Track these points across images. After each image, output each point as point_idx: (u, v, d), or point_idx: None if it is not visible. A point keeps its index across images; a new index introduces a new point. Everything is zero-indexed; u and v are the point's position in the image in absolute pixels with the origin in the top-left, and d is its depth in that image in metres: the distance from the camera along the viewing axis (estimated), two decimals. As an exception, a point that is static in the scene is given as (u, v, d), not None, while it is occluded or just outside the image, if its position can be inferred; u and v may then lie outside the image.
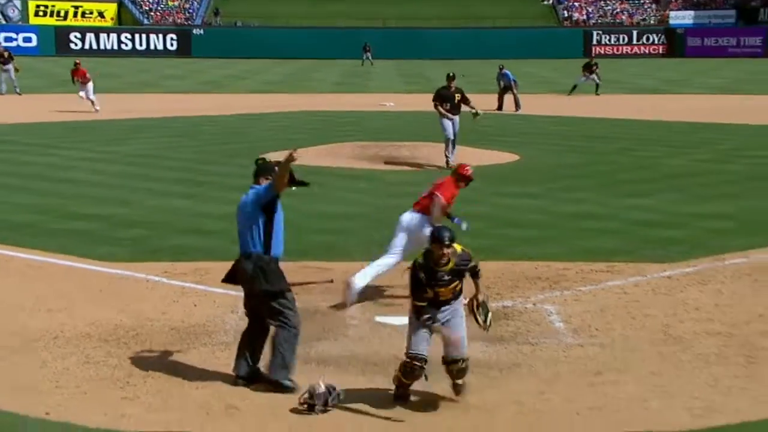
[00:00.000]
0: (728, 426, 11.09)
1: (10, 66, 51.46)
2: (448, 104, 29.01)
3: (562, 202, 23.90)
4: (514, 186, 26.65)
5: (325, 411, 10.71)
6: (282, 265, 17.25)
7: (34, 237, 19.93)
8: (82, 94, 43.81)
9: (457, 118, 29.12)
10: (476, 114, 29.62)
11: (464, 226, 17.35)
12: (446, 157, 29.64)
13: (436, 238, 10.98)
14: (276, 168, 12.00)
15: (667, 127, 40.12)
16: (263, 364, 12.27)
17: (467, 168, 18.00)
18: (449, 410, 11.60)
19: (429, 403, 11.79)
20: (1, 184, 26.94)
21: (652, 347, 13.85)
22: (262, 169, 12.44)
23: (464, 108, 30.54)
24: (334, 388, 10.90)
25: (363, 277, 16.67)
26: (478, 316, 11.47)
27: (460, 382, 11.39)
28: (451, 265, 11.06)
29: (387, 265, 17.05)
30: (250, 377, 12.07)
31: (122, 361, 12.72)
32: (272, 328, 12.08)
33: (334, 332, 14.37)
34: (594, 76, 54.55)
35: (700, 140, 36.45)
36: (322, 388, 10.80)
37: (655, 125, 40.68)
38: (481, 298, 11.34)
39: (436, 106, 29.64)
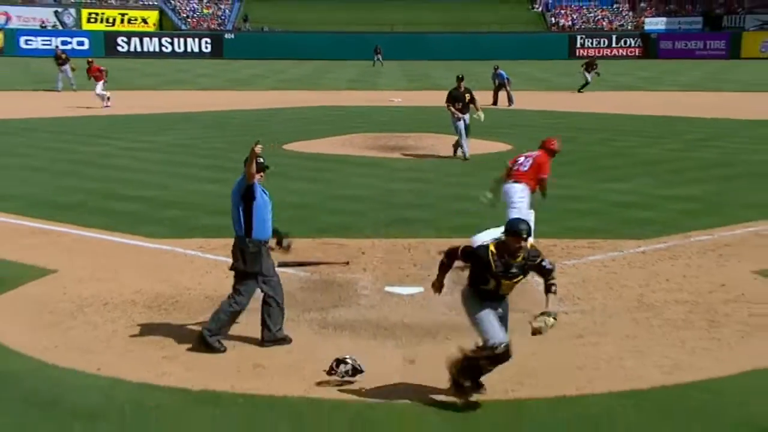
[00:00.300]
0: (694, 382, 11.21)
1: (66, 66, 51.35)
2: (460, 104, 28.70)
3: (549, 186, 23.84)
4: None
5: (343, 379, 10.72)
6: (305, 242, 17.50)
7: (87, 216, 19.96)
8: (97, 89, 43.55)
9: (467, 115, 28.84)
10: (477, 116, 29.28)
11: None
12: (461, 148, 29.19)
13: (514, 230, 9.62)
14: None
15: (643, 120, 40.08)
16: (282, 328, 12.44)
17: (554, 142, 18.84)
18: (449, 345, 11.61)
19: (433, 363, 11.85)
20: (59, 169, 27.01)
21: (627, 314, 13.97)
22: (259, 168, 12.21)
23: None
24: (347, 364, 10.79)
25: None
26: (540, 324, 9.85)
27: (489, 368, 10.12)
28: (520, 259, 9.77)
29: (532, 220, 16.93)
30: (274, 340, 12.19)
31: (163, 325, 12.81)
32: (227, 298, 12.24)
33: (349, 301, 14.35)
34: (593, 73, 54.46)
35: (671, 131, 36.35)
36: (348, 366, 10.75)
37: (632, 118, 40.61)
38: (550, 307, 9.87)
39: (448, 107, 29.14)
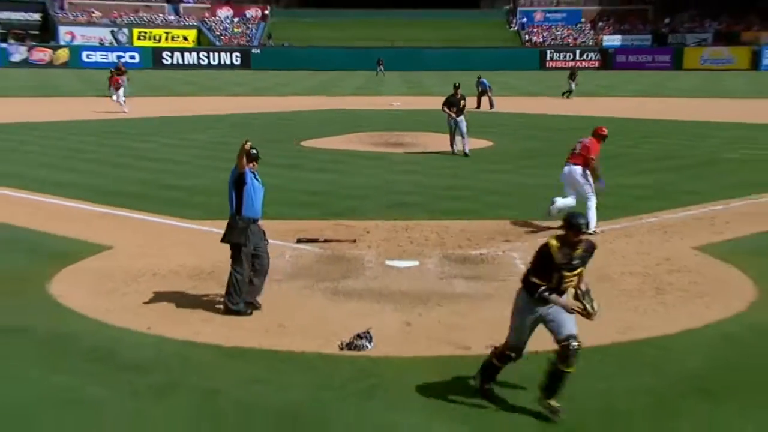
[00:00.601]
0: (645, 339, 11.41)
1: (124, 77, 51.33)
2: (455, 108, 28.49)
3: (524, 177, 23.89)
4: (490, 165, 26.61)
5: (355, 347, 10.80)
6: (320, 223, 17.55)
7: (138, 201, 19.98)
8: (114, 97, 42.50)
9: (462, 117, 28.54)
10: (464, 137, 28.69)
11: (602, 184, 18.67)
12: (455, 145, 28.90)
13: (572, 224, 8.72)
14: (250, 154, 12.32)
15: (601, 121, 40.05)
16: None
17: (604, 129, 19.41)
18: (441, 325, 11.76)
19: (426, 324, 11.89)
20: (116, 162, 27.06)
21: (627, 279, 14.20)
22: (245, 156, 12.26)
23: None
24: (368, 338, 10.90)
25: (561, 203, 18.05)
26: (586, 304, 8.94)
27: (570, 369, 8.76)
28: (580, 251, 8.94)
29: (569, 204, 17.94)
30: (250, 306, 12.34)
31: (201, 293, 12.89)
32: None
33: (355, 273, 14.37)
34: (574, 83, 54.55)
35: (624, 130, 36.30)
36: (364, 336, 10.89)
37: (592, 119, 40.52)
38: (584, 287, 9.03)
39: (444, 110, 28.92)
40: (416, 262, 14.94)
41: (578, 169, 18.28)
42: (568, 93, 54.65)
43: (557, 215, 17.21)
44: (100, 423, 8.83)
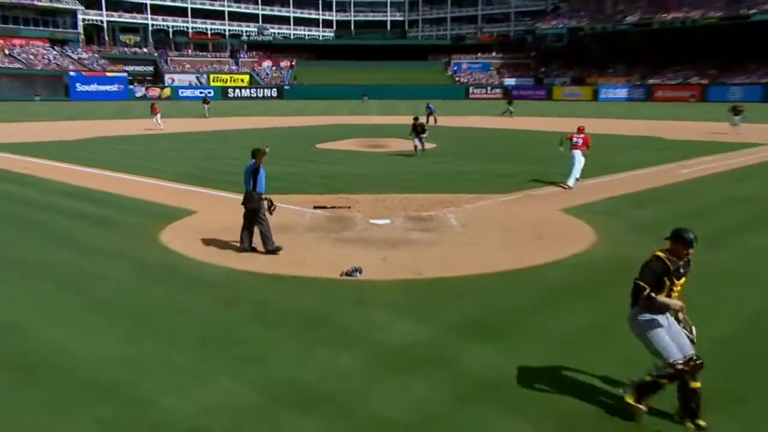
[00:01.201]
0: (532, 266, 11.44)
1: (209, 105, 50.34)
2: (414, 132, 27.65)
3: (458, 165, 23.86)
4: (436, 159, 26.27)
5: (351, 275, 10.89)
6: (328, 196, 17.60)
7: (211, 182, 19.97)
8: (155, 120, 40.56)
9: (422, 136, 27.25)
10: (422, 143, 27.47)
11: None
12: (417, 148, 27.53)
13: (685, 240, 6.38)
14: (258, 152, 12.46)
15: (504, 131, 40.08)
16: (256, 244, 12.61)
17: (583, 127, 21.10)
18: (404, 260, 11.89)
19: (396, 260, 12.05)
20: (199, 158, 26.94)
21: (497, 232, 14.06)
22: (253, 153, 12.53)
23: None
24: (360, 270, 10.97)
25: (571, 178, 19.93)
26: (685, 329, 6.57)
27: (698, 385, 6.33)
28: (684, 261, 6.52)
29: (577, 169, 20.06)
30: (250, 249, 12.39)
31: (255, 240, 12.83)
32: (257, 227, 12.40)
33: (350, 228, 14.35)
34: (511, 107, 54.17)
35: (516, 137, 36.39)
36: (357, 268, 10.99)
37: (500, 131, 40.59)
38: (681, 316, 6.50)
39: (412, 132, 27.99)
40: (389, 221, 14.96)
41: (578, 152, 20.25)
42: (509, 113, 54.12)
43: (576, 182, 20.05)
44: (191, 321, 9.01)
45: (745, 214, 16.05)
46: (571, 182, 19.93)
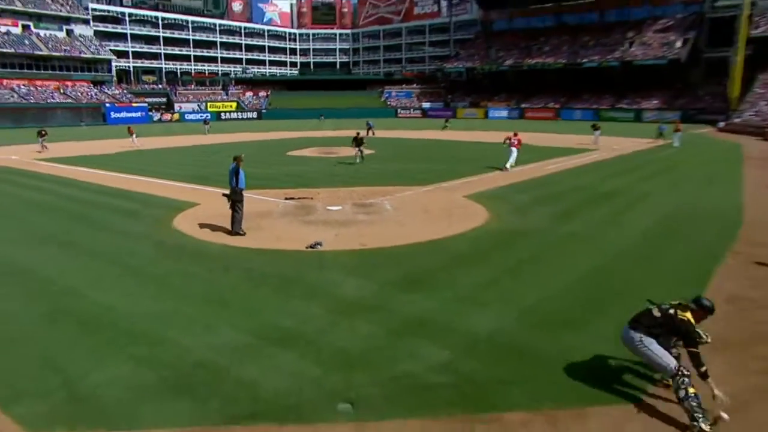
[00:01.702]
0: (441, 237, 11.40)
1: (208, 125, 48.34)
2: (356, 143, 26.71)
3: (390, 166, 23.62)
4: (374, 160, 25.79)
5: (314, 247, 10.75)
6: (296, 190, 17.22)
7: (210, 181, 19.33)
8: (131, 139, 34.45)
9: (362, 147, 25.88)
10: (361, 154, 25.62)
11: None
12: (357, 155, 25.81)
13: (706, 307, 5.29)
14: (238, 158, 12.30)
15: (423, 141, 40.01)
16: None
17: (518, 133, 23.18)
18: (352, 235, 11.75)
19: (346, 237, 11.95)
20: (199, 164, 26.07)
21: (419, 214, 13.82)
22: (234, 158, 12.31)
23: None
24: (320, 243, 10.85)
25: (507, 164, 21.54)
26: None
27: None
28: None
29: (513, 159, 21.87)
30: (236, 232, 11.87)
31: (243, 225, 12.62)
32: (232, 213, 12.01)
33: (312, 213, 14.10)
34: (448, 124, 53.00)
35: (432, 145, 36.33)
36: (318, 242, 10.87)
37: (420, 141, 40.49)
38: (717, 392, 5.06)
39: (353, 145, 26.93)
40: (341, 207, 14.75)
41: (515, 149, 21.95)
42: (446, 126, 52.75)
43: (511, 167, 21.54)
44: (197, 284, 8.83)
45: (584, 196, 16.29)
46: (507, 165, 21.67)
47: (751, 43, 54.88)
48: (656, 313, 5.43)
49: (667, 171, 22.13)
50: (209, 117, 66.07)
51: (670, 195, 16.55)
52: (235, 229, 11.90)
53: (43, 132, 33.31)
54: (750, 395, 5.55)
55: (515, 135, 22.62)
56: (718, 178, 20.30)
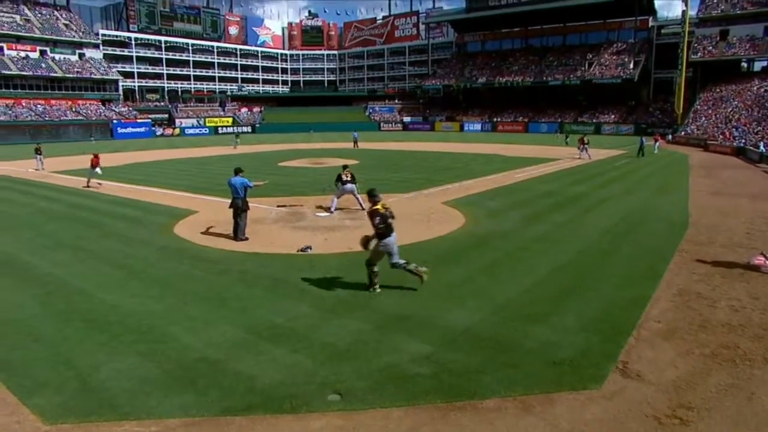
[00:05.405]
0: (424, 240, 11.37)
1: (239, 139, 45.93)
2: (342, 179, 26.72)
3: (374, 174, 23.54)
4: (360, 171, 25.95)
5: (305, 251, 10.68)
6: (287, 198, 17.10)
7: (207, 190, 19.21)
8: (96, 170, 22.14)
9: (353, 185, 26.57)
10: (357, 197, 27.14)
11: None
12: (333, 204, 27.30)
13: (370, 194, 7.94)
14: (241, 170, 12.09)
15: (403, 153, 40.02)
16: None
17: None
18: (340, 239, 11.65)
19: (334, 241, 11.88)
20: (198, 174, 25.84)
21: (401, 219, 13.55)
22: (237, 171, 12.07)
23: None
24: (310, 247, 10.78)
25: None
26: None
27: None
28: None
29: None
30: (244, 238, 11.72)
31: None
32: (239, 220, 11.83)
33: (303, 218, 14.07)
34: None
35: (412, 155, 36.23)
36: (308, 246, 10.79)
37: (401, 152, 40.44)
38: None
39: (337, 185, 26.98)
40: (329, 213, 14.72)
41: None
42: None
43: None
44: (197, 285, 8.73)
45: (549, 202, 16.42)
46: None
47: (691, 66, 56.76)
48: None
49: (623, 178, 22.44)
50: (207, 132, 66.05)
51: (626, 200, 16.79)
52: (239, 236, 11.74)
53: (39, 149, 29.18)
54: (695, 377, 5.66)
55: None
56: (668, 184, 20.64)
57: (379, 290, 8.11)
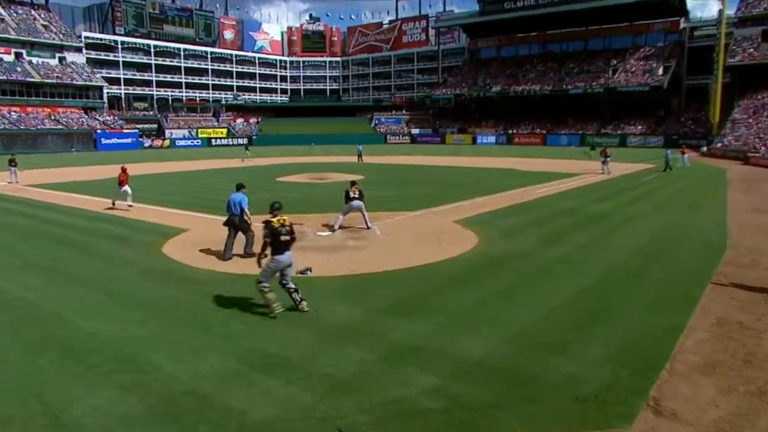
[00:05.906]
0: (435, 261, 11.38)
1: (249, 151, 47.09)
2: (350, 197, 26.87)
3: (380, 191, 23.60)
4: (363, 185, 26.07)
5: (304, 273, 10.63)
6: (289, 215, 17.04)
7: (198, 207, 19.30)
8: (124, 188, 23.23)
9: (361, 202, 26.85)
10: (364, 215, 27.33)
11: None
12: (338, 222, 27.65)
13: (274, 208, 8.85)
14: (243, 186, 12.68)
15: (412, 167, 40.21)
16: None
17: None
18: (342, 261, 11.71)
19: (336, 262, 11.86)
20: (190, 189, 26.06)
21: (410, 239, 13.87)
22: (239, 186, 12.56)
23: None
24: (310, 269, 10.78)
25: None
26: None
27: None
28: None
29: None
30: (230, 257, 11.90)
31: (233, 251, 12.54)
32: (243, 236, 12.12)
33: (302, 238, 13.95)
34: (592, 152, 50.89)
35: (421, 170, 36.43)
36: (308, 268, 10.79)
37: (409, 166, 40.66)
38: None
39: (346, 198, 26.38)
40: (330, 232, 14.75)
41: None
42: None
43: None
44: (184, 309, 8.70)
45: (570, 221, 16.39)
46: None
47: (728, 71, 56.25)
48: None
49: (652, 194, 22.35)
50: (199, 144, 66.68)
51: (656, 217, 16.69)
52: (247, 251, 11.98)
53: (14, 161, 29.19)
54: (740, 419, 5.49)
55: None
56: (704, 200, 20.53)
57: (279, 309, 8.25)
